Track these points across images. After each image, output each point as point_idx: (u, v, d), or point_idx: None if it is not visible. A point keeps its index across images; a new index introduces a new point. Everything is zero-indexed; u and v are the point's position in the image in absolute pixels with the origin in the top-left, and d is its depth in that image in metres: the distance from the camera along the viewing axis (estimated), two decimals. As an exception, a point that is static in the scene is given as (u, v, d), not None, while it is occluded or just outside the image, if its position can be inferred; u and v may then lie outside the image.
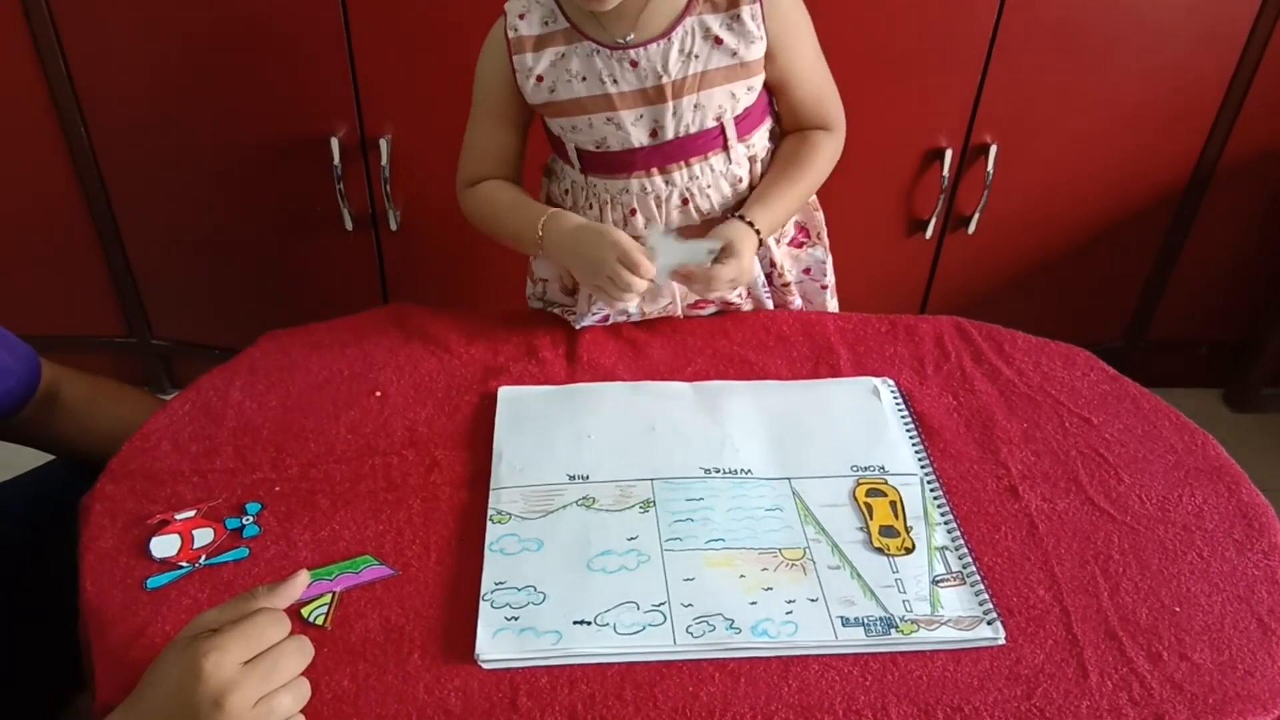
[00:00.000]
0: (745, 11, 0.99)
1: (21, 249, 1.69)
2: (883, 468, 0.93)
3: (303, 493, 0.89)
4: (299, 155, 1.55)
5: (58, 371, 1.02)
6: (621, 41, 0.98)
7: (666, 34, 0.97)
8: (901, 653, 0.77)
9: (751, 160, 1.09)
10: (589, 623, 0.78)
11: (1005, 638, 0.78)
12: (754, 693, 0.74)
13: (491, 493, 0.89)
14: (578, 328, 1.09)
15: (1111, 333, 1.89)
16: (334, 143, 1.51)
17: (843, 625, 0.78)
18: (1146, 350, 1.90)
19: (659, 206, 1.06)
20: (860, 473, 0.92)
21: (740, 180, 1.08)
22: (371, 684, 0.74)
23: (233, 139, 1.55)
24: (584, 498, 0.89)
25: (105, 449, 0.94)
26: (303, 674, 0.68)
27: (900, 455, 0.95)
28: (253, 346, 1.06)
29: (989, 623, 0.79)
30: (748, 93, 1.03)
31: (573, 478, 0.91)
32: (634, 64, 0.98)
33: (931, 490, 0.91)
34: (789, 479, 0.92)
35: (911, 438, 0.97)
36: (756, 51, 1.01)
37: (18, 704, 0.92)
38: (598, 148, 1.04)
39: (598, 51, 0.98)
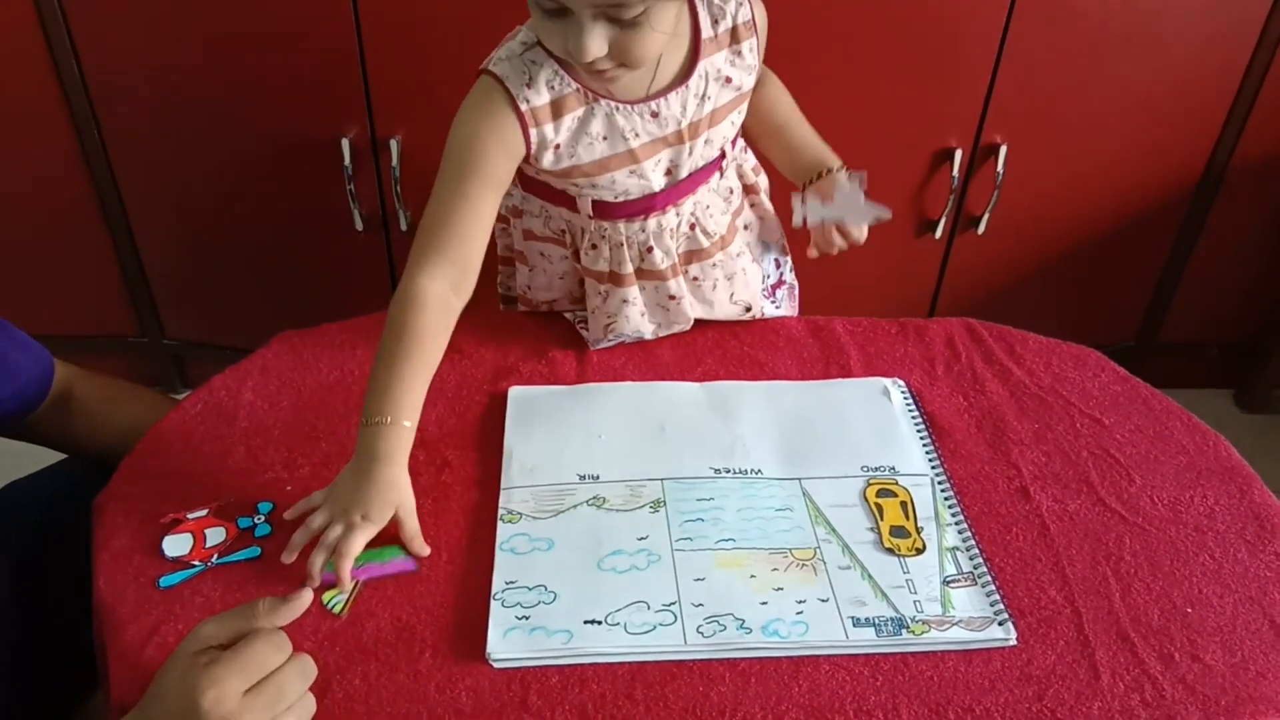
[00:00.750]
0: (745, 45, 0.97)
1: (35, 250, 1.70)
2: (893, 468, 0.93)
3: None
4: (310, 156, 1.55)
5: (71, 372, 1.02)
6: (641, 95, 0.94)
7: (684, 80, 0.95)
8: (912, 653, 0.77)
9: (736, 166, 1.09)
10: (600, 622, 0.78)
11: (1016, 638, 0.78)
12: (765, 693, 0.74)
13: (502, 492, 0.90)
14: (591, 349, 1.09)
15: (1122, 333, 1.88)
16: (345, 144, 1.52)
17: (854, 625, 0.78)
18: (1157, 351, 1.89)
19: (672, 237, 1.04)
20: (871, 473, 0.92)
21: (730, 191, 1.08)
22: (383, 683, 0.74)
23: (244, 140, 1.56)
24: (594, 497, 0.89)
25: (118, 448, 0.95)
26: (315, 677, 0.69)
27: (911, 456, 0.94)
28: (265, 347, 1.06)
29: (1000, 623, 0.79)
30: (739, 115, 1.02)
31: (583, 477, 0.91)
32: (654, 114, 0.95)
33: (942, 491, 0.91)
34: (799, 479, 0.92)
35: (922, 438, 0.96)
36: (752, 80, 1.00)
37: (32, 702, 0.92)
38: (617, 199, 1.00)
39: (618, 109, 0.94)
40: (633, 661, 0.76)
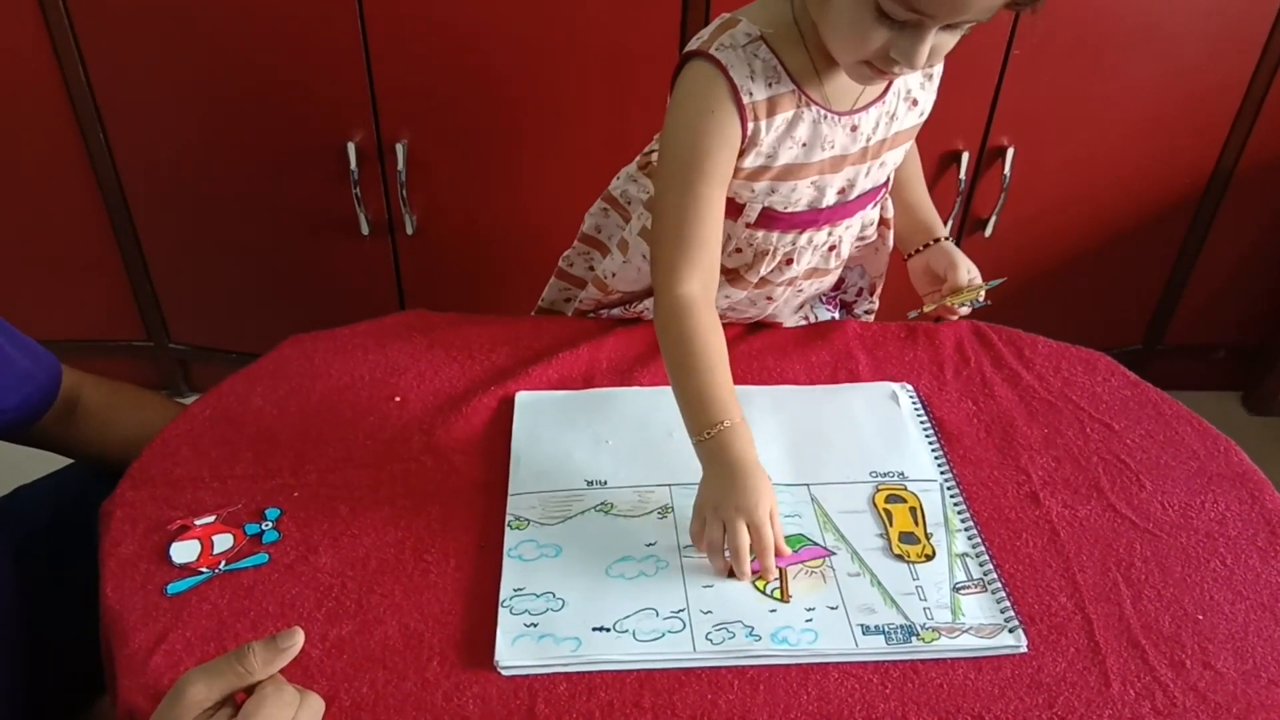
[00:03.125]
0: (936, 70, 0.98)
1: (41, 254, 1.70)
2: (902, 474, 0.93)
3: (322, 498, 0.89)
4: (316, 161, 1.55)
5: (79, 378, 1.02)
6: (847, 107, 0.94)
7: (882, 97, 0.95)
8: (922, 660, 0.77)
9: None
10: (608, 629, 0.78)
11: (1027, 645, 0.78)
12: (773, 700, 0.74)
13: (510, 498, 0.89)
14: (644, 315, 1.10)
15: (1129, 336, 1.88)
16: (351, 148, 1.52)
17: (863, 633, 0.78)
18: (1164, 354, 1.89)
19: (812, 253, 1.04)
20: (879, 479, 0.92)
21: (871, 222, 1.08)
22: (390, 691, 0.74)
23: (250, 144, 1.56)
24: (602, 503, 0.89)
25: (126, 454, 0.95)
26: (322, 684, 0.68)
27: (920, 461, 0.94)
28: (274, 351, 1.06)
29: (1010, 630, 0.78)
30: (912, 141, 1.03)
31: (590, 483, 0.91)
32: (854, 128, 0.94)
33: (951, 496, 0.90)
34: (808, 485, 0.91)
35: (931, 443, 0.96)
36: (931, 102, 1.00)
37: (38, 707, 0.92)
38: (786, 209, 0.98)
39: (825, 117, 0.92)
40: (641, 669, 0.76)
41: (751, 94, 0.89)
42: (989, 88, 1.51)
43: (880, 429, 0.98)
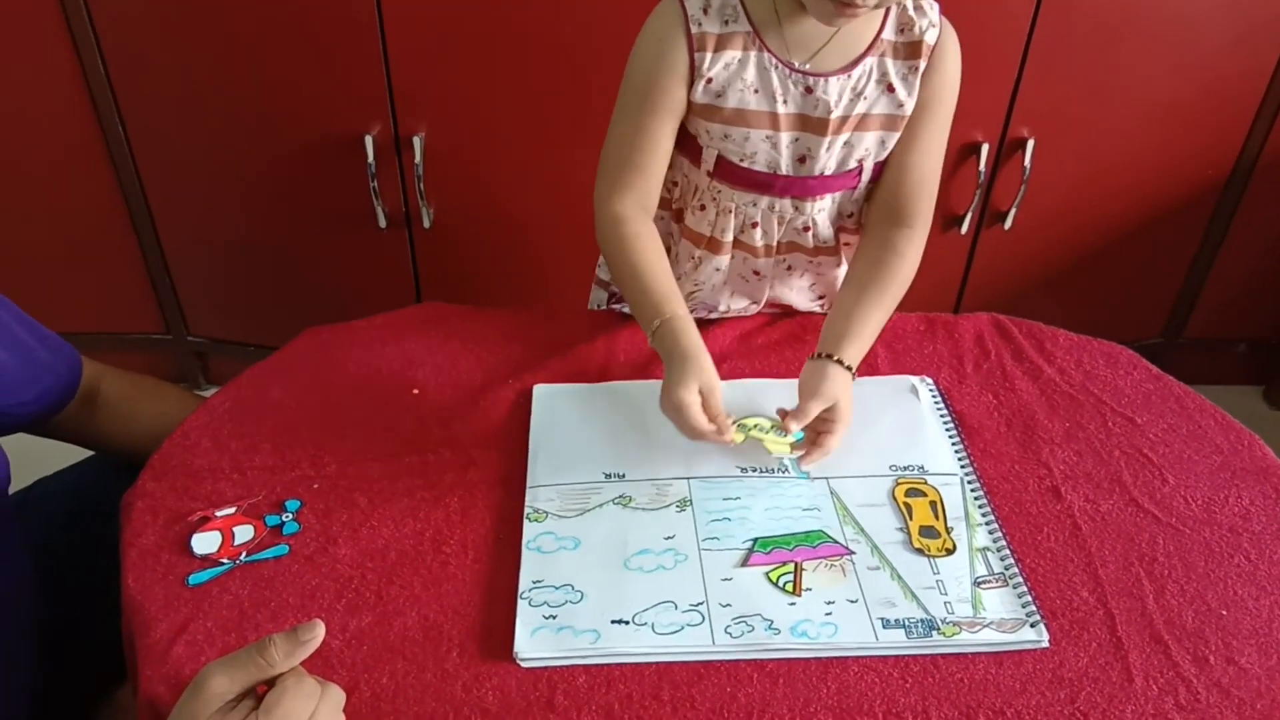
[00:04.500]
0: (922, 64, 0.96)
1: (61, 248, 1.71)
2: (922, 467, 0.92)
3: (341, 490, 0.89)
4: (333, 154, 1.55)
5: (99, 370, 1.03)
6: (800, 66, 0.94)
7: (848, 69, 0.94)
8: (942, 655, 0.76)
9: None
10: (627, 622, 0.78)
11: (1049, 640, 0.77)
12: (792, 694, 0.74)
13: (528, 491, 0.89)
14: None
15: (1149, 329, 1.86)
16: (368, 141, 1.52)
17: (883, 627, 0.78)
18: (1185, 347, 1.87)
19: (780, 225, 1.03)
20: (899, 472, 0.92)
21: (850, 214, 1.06)
22: (410, 682, 0.74)
23: (268, 138, 1.56)
24: (620, 496, 0.89)
25: (146, 446, 0.95)
26: (342, 675, 0.68)
27: (940, 455, 0.94)
28: (292, 343, 1.06)
29: (1032, 625, 0.78)
30: (890, 140, 1.00)
31: (609, 476, 0.91)
32: (809, 90, 0.94)
33: (972, 490, 0.90)
34: (827, 478, 0.91)
35: (951, 437, 0.96)
36: (913, 104, 0.97)
37: (58, 695, 0.93)
38: (742, 161, 0.99)
39: (776, 67, 0.94)
40: (660, 662, 0.75)
41: (700, 25, 0.93)
42: (1009, 79, 1.50)
43: (900, 422, 0.97)
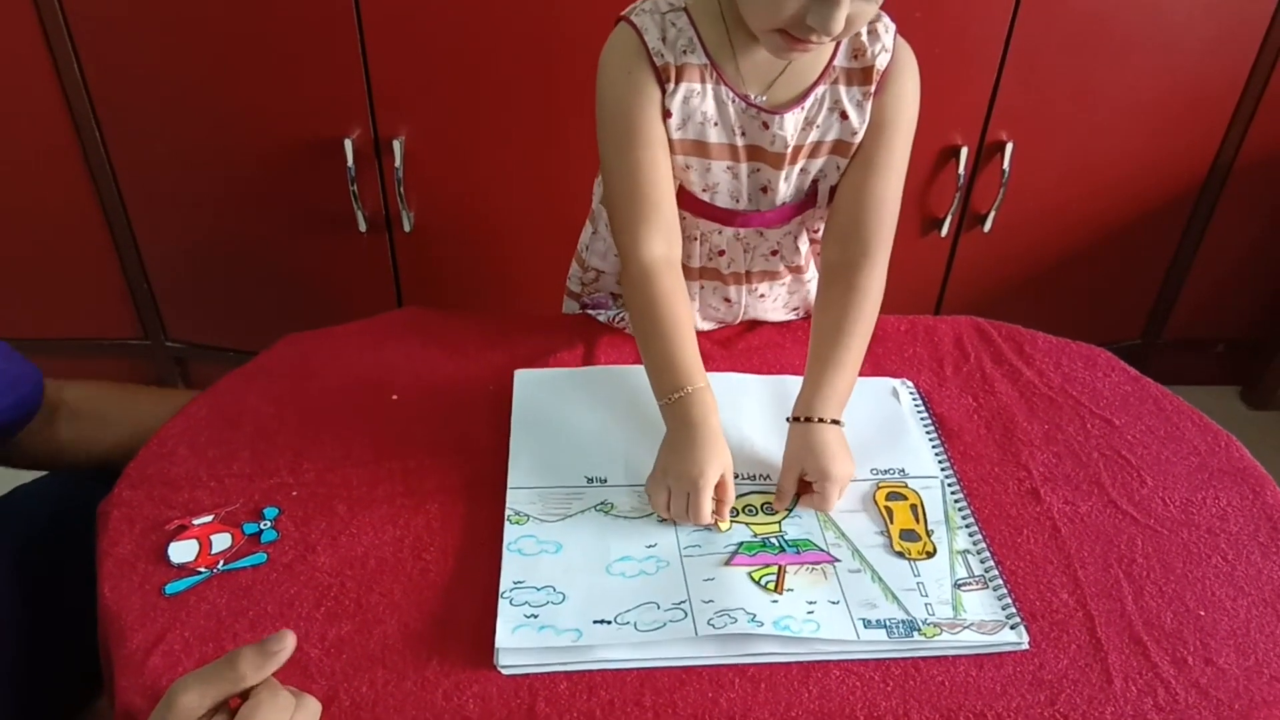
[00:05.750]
0: (874, 89, 0.95)
1: (37, 253, 1.69)
2: (903, 470, 0.92)
3: (320, 497, 0.88)
4: (313, 158, 1.54)
5: (57, 384, 1.01)
6: (756, 99, 0.93)
7: (800, 102, 0.93)
8: (923, 658, 0.76)
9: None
10: (609, 622, 0.77)
11: (1029, 642, 0.77)
12: (774, 698, 0.74)
13: (509, 492, 0.89)
14: (627, 330, 1.08)
15: (1128, 331, 1.87)
16: (348, 145, 1.51)
17: (865, 626, 0.78)
18: (1163, 349, 1.88)
19: (746, 253, 1.03)
20: (880, 476, 0.92)
21: (817, 230, 1.05)
22: (390, 690, 0.73)
23: (247, 142, 1.55)
24: (602, 503, 0.88)
25: (122, 450, 0.94)
26: (321, 684, 0.68)
27: (920, 458, 0.94)
28: (270, 350, 1.06)
29: (1012, 627, 0.78)
30: (843, 164, 0.99)
31: (590, 480, 0.91)
32: (765, 126, 0.94)
33: (952, 493, 0.90)
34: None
35: (931, 440, 0.96)
36: (864, 128, 0.96)
37: (36, 707, 0.92)
38: (704, 193, 0.98)
39: (733, 100, 0.93)
40: (642, 668, 0.75)
41: (662, 55, 0.91)
42: (988, 82, 1.51)
43: (880, 426, 0.97)
